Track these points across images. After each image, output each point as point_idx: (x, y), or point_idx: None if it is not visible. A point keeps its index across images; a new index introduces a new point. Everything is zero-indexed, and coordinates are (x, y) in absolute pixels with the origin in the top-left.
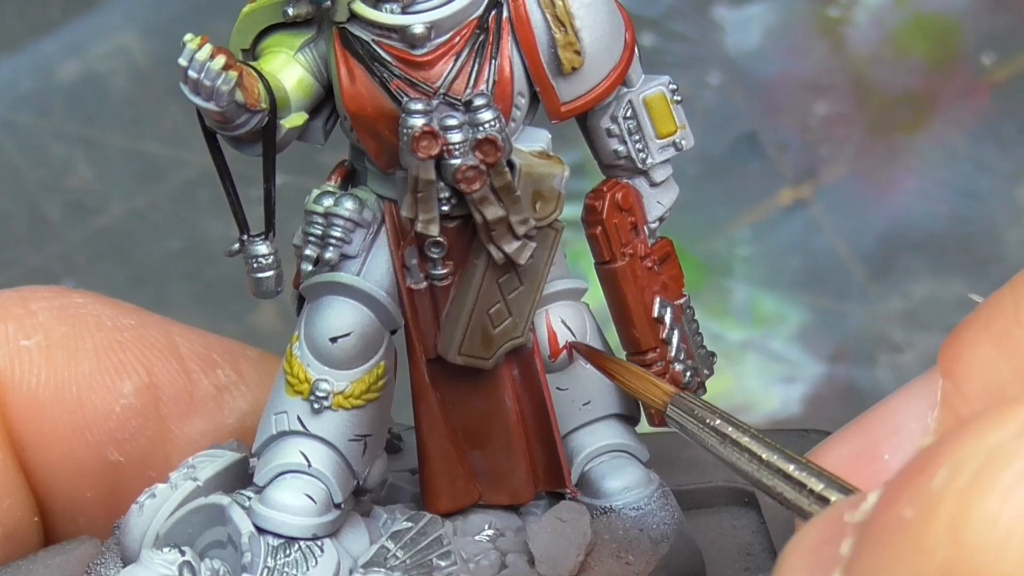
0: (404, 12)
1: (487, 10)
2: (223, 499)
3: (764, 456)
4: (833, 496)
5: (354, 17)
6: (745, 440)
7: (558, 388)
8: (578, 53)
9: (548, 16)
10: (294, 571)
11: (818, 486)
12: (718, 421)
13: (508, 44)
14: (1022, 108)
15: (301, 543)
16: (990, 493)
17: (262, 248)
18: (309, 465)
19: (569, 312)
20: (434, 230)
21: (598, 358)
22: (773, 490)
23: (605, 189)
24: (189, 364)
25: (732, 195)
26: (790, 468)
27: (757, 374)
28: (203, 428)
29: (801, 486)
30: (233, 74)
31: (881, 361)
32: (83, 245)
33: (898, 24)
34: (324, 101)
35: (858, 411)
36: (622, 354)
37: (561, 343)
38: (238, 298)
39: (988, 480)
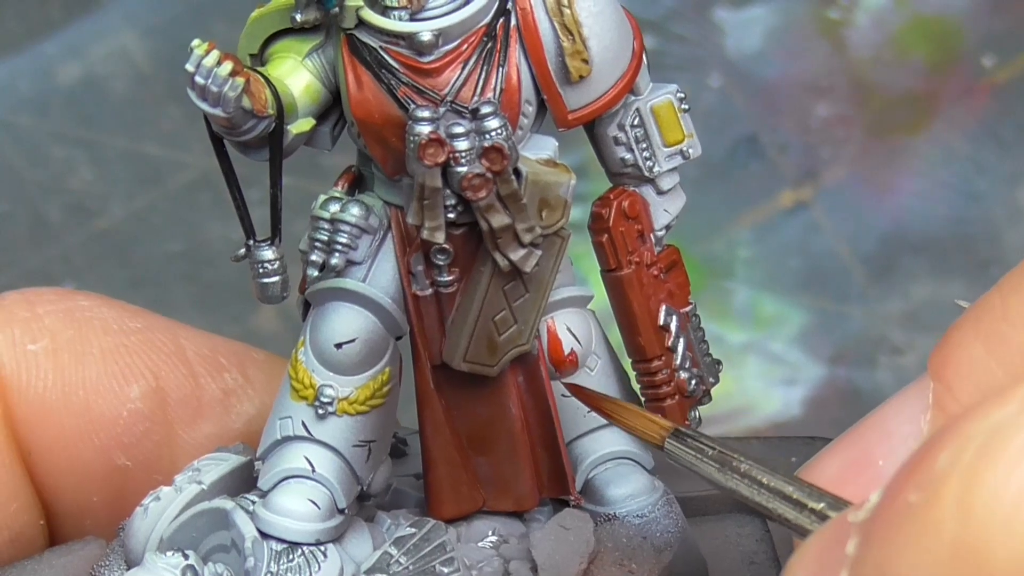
0: (412, 19)
1: (495, 18)
2: (227, 503)
3: (764, 480)
4: (834, 514)
5: (362, 24)
6: (744, 467)
7: (563, 395)
8: (586, 62)
9: (556, 24)
10: None
11: (818, 505)
12: (716, 451)
13: (516, 52)
14: (1022, 110)
15: (304, 548)
16: (996, 467)
17: (268, 253)
18: (313, 470)
19: (575, 319)
20: (440, 237)
21: (592, 399)
22: (775, 512)
23: (612, 197)
24: (196, 368)
25: (732, 197)
26: (789, 490)
27: (758, 376)
28: (210, 432)
29: (802, 506)
30: (240, 80)
31: (882, 363)
32: (83, 247)
33: (898, 26)
34: (332, 107)
35: (859, 413)
36: (627, 361)
37: (566, 350)
38: (238, 300)
39: (993, 455)
